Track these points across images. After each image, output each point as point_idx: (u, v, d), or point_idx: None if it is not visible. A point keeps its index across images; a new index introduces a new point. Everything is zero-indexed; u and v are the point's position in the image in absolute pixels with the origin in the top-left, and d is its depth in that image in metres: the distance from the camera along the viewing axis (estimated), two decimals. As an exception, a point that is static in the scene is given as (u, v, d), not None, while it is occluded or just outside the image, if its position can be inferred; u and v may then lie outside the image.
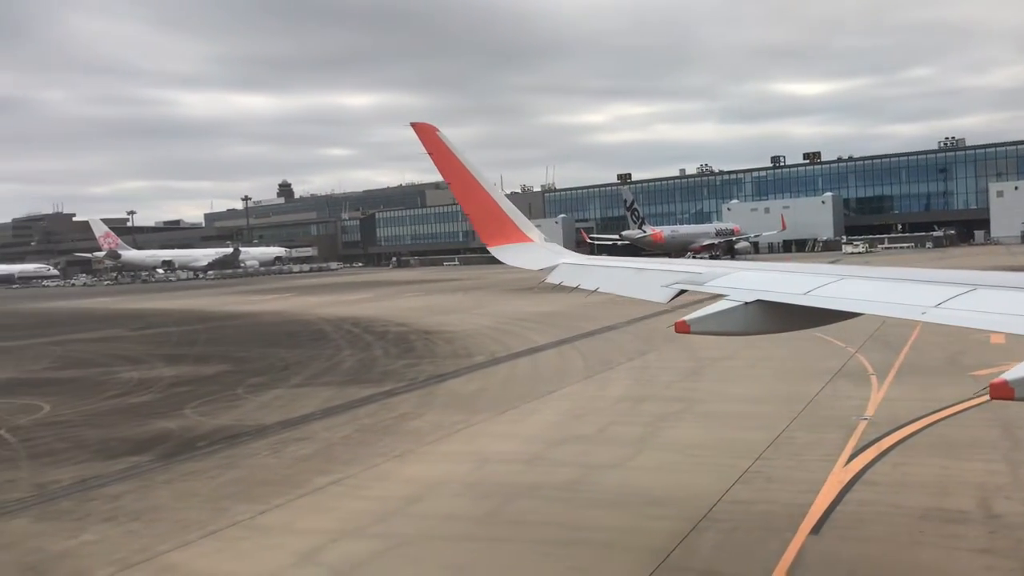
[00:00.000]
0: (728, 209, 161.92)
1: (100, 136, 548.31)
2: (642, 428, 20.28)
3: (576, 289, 12.03)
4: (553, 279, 12.65)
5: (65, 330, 60.43)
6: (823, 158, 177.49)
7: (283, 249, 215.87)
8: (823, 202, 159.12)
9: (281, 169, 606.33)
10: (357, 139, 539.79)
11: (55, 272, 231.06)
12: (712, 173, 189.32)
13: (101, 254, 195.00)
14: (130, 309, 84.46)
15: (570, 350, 35.03)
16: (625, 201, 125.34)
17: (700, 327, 8.18)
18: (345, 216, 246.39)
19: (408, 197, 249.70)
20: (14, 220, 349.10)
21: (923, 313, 7.00)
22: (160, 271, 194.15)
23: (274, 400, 27.24)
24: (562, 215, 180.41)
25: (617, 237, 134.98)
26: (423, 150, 13.86)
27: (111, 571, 12.75)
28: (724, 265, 10.41)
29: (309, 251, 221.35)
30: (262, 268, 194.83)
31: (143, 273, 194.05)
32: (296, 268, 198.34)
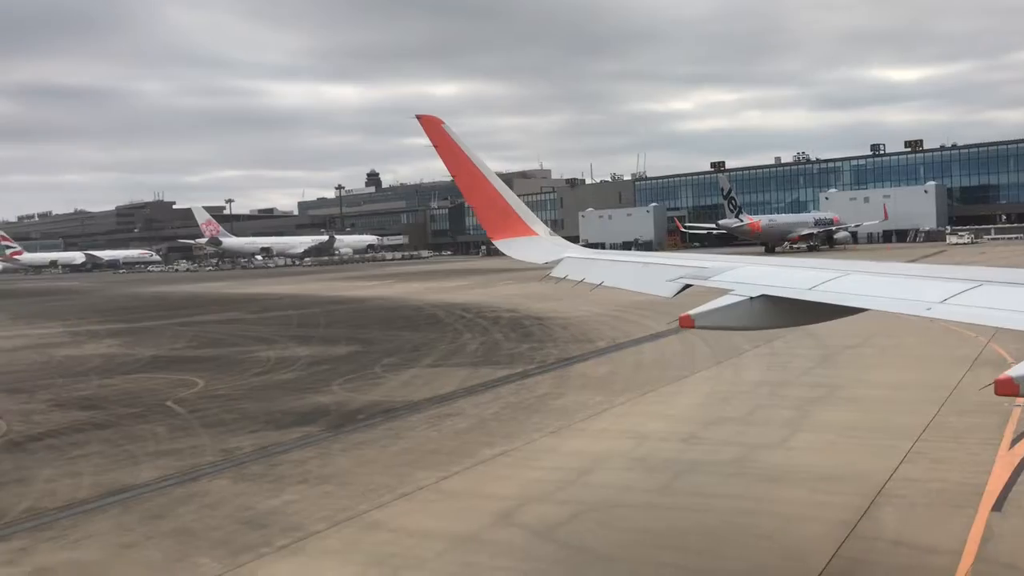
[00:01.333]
0: (826, 198, 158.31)
1: (196, 126, 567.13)
2: (790, 411, 20.64)
3: (581, 283, 11.99)
4: (558, 273, 12.60)
5: (188, 312, 63.40)
6: (925, 146, 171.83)
7: (375, 237, 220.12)
8: (926, 191, 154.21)
9: (369, 158, 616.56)
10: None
11: (157, 258, 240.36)
12: (809, 161, 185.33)
13: (203, 241, 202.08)
14: (242, 294, 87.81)
15: (691, 336, 35.23)
16: (722, 189, 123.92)
17: (705, 322, 8.19)
18: (434, 205, 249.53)
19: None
20: (118, 208, 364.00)
21: (928, 309, 6.95)
22: (258, 258, 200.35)
23: (414, 379, 28.44)
24: (653, 204, 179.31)
25: (713, 226, 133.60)
26: (429, 143, 13.77)
27: (323, 527, 13.89)
28: (729, 260, 10.35)
29: (400, 239, 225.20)
30: (356, 255, 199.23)
31: (242, 259, 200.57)
32: (388, 256, 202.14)
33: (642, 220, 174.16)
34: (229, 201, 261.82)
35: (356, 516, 14.34)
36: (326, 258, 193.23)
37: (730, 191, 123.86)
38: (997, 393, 5.47)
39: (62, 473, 18.27)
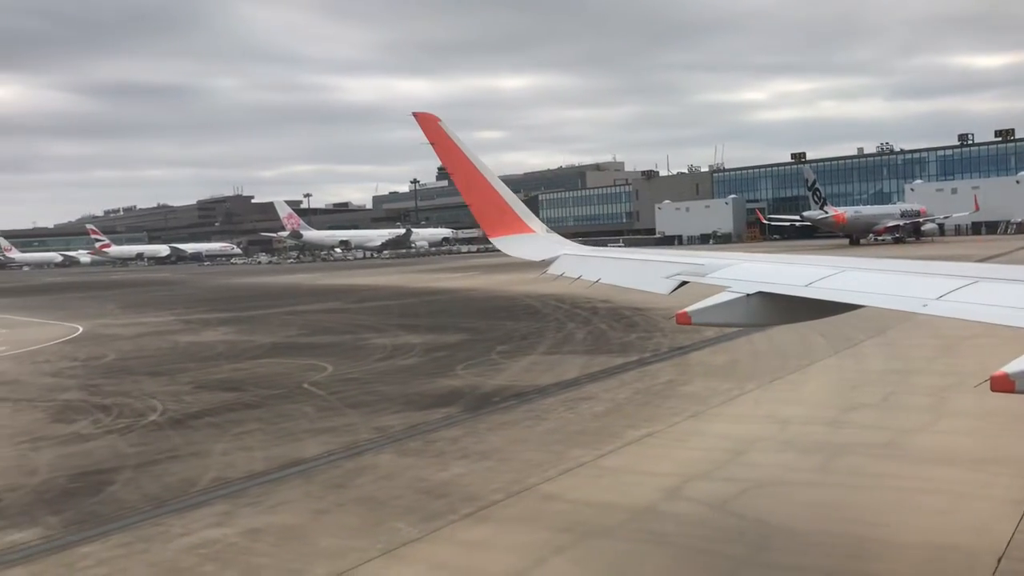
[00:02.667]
0: (911, 190, 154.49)
1: (269, 122, 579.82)
2: (926, 398, 20.84)
3: (578, 280, 12.07)
4: (555, 270, 12.60)
5: (288, 302, 65.47)
6: (1016, 135, 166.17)
7: (450, 230, 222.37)
8: (1018, 182, 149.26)
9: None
10: (510, 121, 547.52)
11: (238, 251, 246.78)
12: (893, 152, 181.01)
13: (284, 234, 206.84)
14: (333, 285, 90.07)
15: (800, 327, 35.33)
16: (807, 181, 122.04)
17: (701, 318, 8.21)
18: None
19: (568, 179, 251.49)
20: (199, 202, 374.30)
21: (924, 305, 6.95)
22: (337, 250, 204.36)
23: (533, 365, 29.28)
24: (732, 195, 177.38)
25: (796, 218, 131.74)
26: (425, 140, 13.79)
27: (500, 497, 14.76)
28: (726, 256, 10.36)
29: (474, 232, 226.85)
30: (432, 248, 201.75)
31: (322, 252, 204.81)
32: (464, 248, 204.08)
33: (721, 212, 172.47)
34: (307, 195, 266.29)
35: (528, 489, 15.16)
36: (403, 251, 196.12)
37: (814, 182, 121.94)
38: (992, 390, 5.44)
39: (233, 447, 19.57)
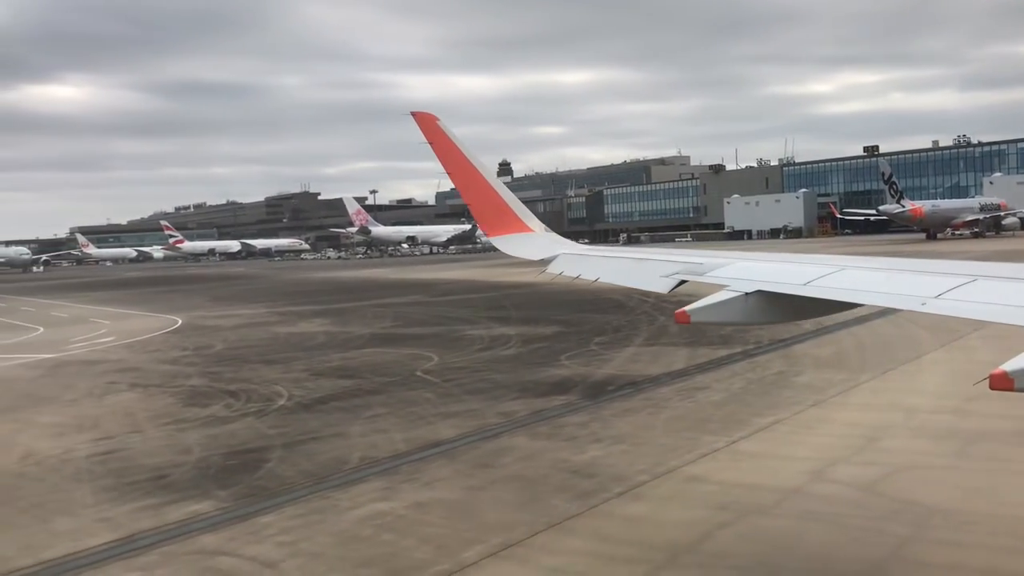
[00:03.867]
0: (990, 183, 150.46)
1: (332, 120, 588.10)
2: (1050, 389, 20.80)
3: (577, 279, 12.16)
4: (553, 269, 12.62)
5: (371, 296, 66.94)
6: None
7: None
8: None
9: (498, 148, 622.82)
10: (572, 116, 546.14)
11: (306, 246, 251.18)
12: (970, 145, 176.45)
13: (353, 230, 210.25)
14: (409, 279, 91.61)
15: (901, 320, 35.22)
16: (883, 174, 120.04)
17: (700, 317, 8.24)
18: (571, 193, 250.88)
19: (633, 173, 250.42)
20: (267, 199, 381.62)
21: (923, 304, 6.95)
22: (404, 246, 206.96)
23: (636, 356, 29.79)
24: (803, 189, 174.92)
25: (872, 212, 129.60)
26: (423, 140, 13.75)
27: (646, 478, 15.38)
28: (724, 256, 10.36)
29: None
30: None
31: (389, 247, 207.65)
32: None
33: (791, 206, 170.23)
34: (373, 192, 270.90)
35: (671, 471, 15.75)
36: (469, 246, 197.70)
37: (891, 176, 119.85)
38: (991, 388, 5.43)
39: (370, 430, 20.53)
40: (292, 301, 65.57)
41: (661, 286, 9.74)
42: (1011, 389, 5.35)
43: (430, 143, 13.64)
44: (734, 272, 9.21)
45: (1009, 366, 5.37)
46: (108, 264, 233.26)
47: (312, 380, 28.14)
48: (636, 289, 10.48)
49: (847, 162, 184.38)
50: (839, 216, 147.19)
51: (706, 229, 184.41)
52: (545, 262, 12.84)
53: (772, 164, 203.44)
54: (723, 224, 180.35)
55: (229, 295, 77.34)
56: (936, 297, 6.95)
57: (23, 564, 12.85)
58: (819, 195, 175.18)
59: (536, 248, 13.58)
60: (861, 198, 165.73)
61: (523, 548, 12.41)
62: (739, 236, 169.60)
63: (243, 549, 13.02)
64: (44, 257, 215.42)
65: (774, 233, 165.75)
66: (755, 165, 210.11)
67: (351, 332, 41.83)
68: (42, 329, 50.87)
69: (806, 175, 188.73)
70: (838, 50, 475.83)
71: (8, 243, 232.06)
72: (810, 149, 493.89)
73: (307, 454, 18.58)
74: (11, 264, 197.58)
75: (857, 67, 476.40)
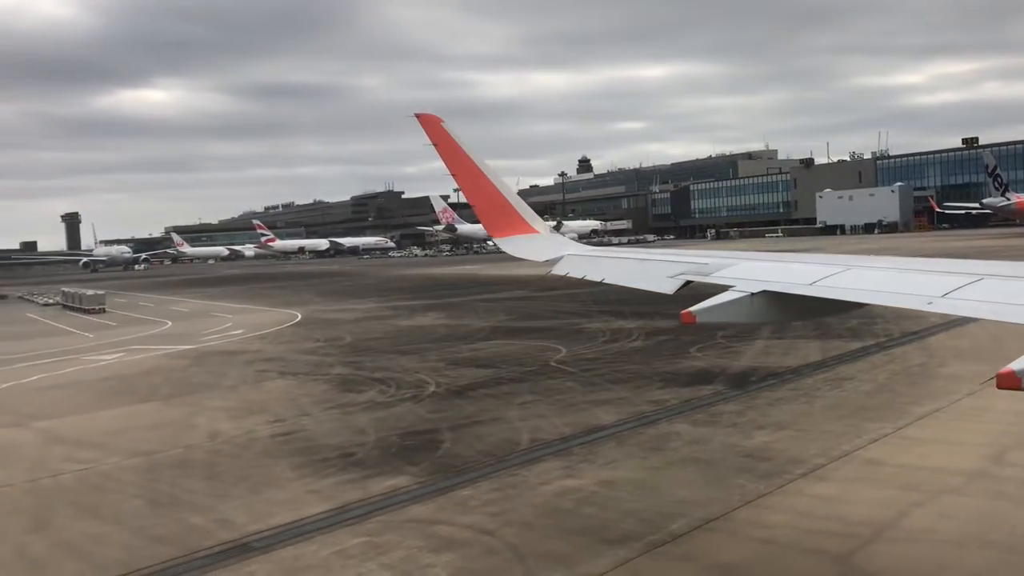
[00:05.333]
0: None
1: (412, 119, 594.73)
2: None
3: (582, 281, 12.09)
4: (559, 270, 12.55)
5: (473, 291, 68.22)
6: None
7: (598, 222, 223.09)
8: None
9: (578, 145, 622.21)
10: (650, 111, 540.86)
11: (392, 244, 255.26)
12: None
13: (440, 227, 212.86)
14: (505, 275, 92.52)
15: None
16: (987, 167, 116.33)
17: (706, 318, 8.21)
18: (655, 189, 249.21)
19: (719, 168, 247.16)
20: (352, 198, 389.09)
21: (930, 303, 6.90)
22: (490, 243, 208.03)
23: (768, 349, 30.05)
24: (898, 183, 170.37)
25: (974, 205, 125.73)
26: (428, 141, 13.79)
27: (823, 461, 15.87)
28: (730, 256, 10.28)
29: (623, 223, 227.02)
30: (582, 240, 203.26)
31: (475, 245, 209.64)
32: (614, 240, 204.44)
33: (886, 200, 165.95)
34: (456, 190, 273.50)
35: (846, 455, 16.19)
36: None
37: (995, 168, 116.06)
38: (999, 387, 5.41)
39: (527, 415, 21.43)
40: (399, 296, 67.28)
41: (667, 287, 9.72)
42: (1018, 388, 5.32)
43: (434, 144, 13.72)
44: (740, 272, 9.23)
45: (1017, 365, 5.33)
46: (211, 262, 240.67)
47: (451, 369, 29.25)
48: (643, 291, 10.39)
49: (944, 155, 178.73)
50: (938, 210, 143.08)
51: (796, 224, 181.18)
52: (551, 263, 12.89)
53: (865, 157, 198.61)
54: (815, 219, 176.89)
55: (334, 291, 79.64)
56: (943, 296, 6.94)
57: (256, 529, 14.09)
58: (915, 189, 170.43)
59: (541, 249, 13.64)
60: (960, 191, 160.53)
61: (726, 522, 13.08)
62: (831, 231, 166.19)
63: (456, 519, 14.00)
64: (143, 255, 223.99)
65: (868, 228, 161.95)
66: (847, 159, 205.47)
67: (470, 325, 42.96)
68: (170, 323, 53.47)
69: (901, 168, 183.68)
70: (927, 39, 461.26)
71: (108, 242, 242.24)
72: (902, 142, 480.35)
73: (476, 436, 19.56)
74: (113, 262, 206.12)
75: (948, 56, 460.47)
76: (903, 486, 14.17)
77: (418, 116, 13.87)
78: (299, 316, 53.19)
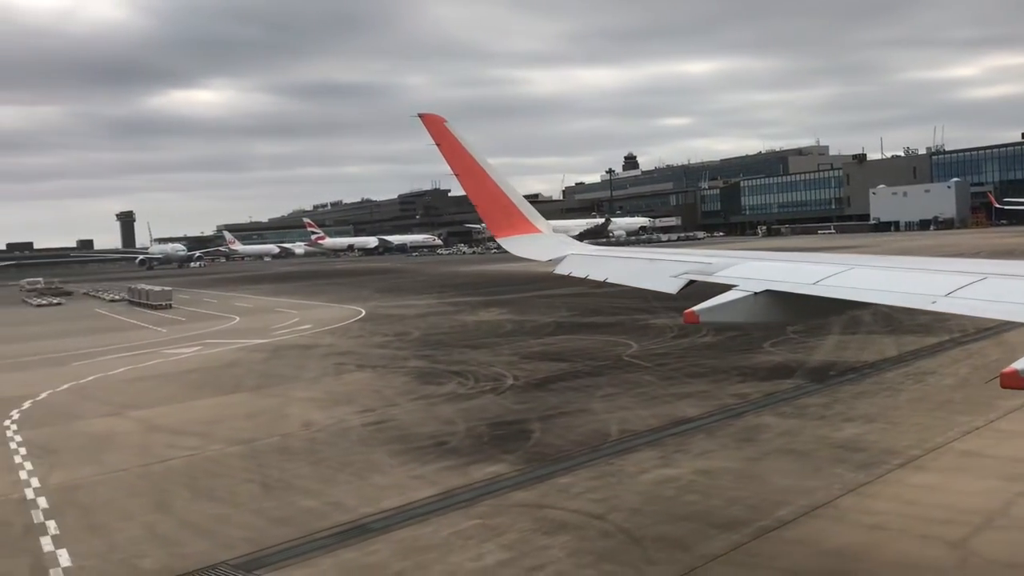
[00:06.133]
0: None
1: (456, 117, 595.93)
2: None
3: (585, 280, 12.01)
4: (562, 270, 12.51)
5: (530, 288, 68.57)
6: None
7: (647, 219, 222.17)
8: None
9: (622, 141, 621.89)
10: (697, 107, 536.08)
11: (439, 242, 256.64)
12: None
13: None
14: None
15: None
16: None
17: (709, 317, 8.17)
18: (704, 185, 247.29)
19: (768, 164, 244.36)
20: (400, 196, 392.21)
21: (933, 302, 6.86)
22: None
23: (842, 344, 30.04)
24: (955, 179, 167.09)
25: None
26: (431, 141, 13.76)
27: (919, 452, 16.05)
28: (733, 255, 10.20)
29: (672, 220, 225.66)
30: (631, 237, 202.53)
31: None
32: (663, 237, 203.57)
33: (942, 196, 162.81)
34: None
35: (940, 446, 16.35)
36: (602, 240, 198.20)
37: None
38: (1002, 386, 5.40)
39: (612, 407, 21.83)
40: (456, 293, 67.95)
41: (670, 286, 9.73)
42: (1022, 388, 5.37)
43: (437, 144, 13.73)
44: (743, 272, 9.21)
45: (1020, 364, 5.37)
46: (267, 259, 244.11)
47: (526, 363, 29.73)
48: (647, 290, 10.44)
49: (1003, 149, 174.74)
50: (996, 206, 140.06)
51: (849, 221, 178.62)
52: (553, 263, 12.94)
53: (920, 153, 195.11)
54: (868, 216, 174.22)
55: (390, 287, 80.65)
56: (946, 295, 6.95)
57: (369, 511, 14.69)
58: (972, 185, 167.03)
59: (544, 249, 13.68)
60: (1019, 187, 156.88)
61: (832, 509, 13.37)
62: (885, 228, 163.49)
63: (563, 504, 14.47)
64: (197, 253, 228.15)
65: (923, 224, 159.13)
66: (901, 154, 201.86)
67: (534, 320, 43.41)
68: (238, 318, 54.75)
69: (957, 164, 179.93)
70: (980, 31, 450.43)
71: (162, 240, 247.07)
72: (958, 137, 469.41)
73: (565, 427, 20.01)
74: (168, 260, 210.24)
75: (1003, 48, 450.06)
76: (1006, 477, 14.31)
77: (421, 116, 13.93)
78: (363, 312, 54.09)
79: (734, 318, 8.44)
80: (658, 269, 10.66)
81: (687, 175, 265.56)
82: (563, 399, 23.14)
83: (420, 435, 20.01)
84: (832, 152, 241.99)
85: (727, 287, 8.68)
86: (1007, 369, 5.38)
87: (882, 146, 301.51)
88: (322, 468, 17.75)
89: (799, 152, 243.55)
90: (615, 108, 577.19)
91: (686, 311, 8.19)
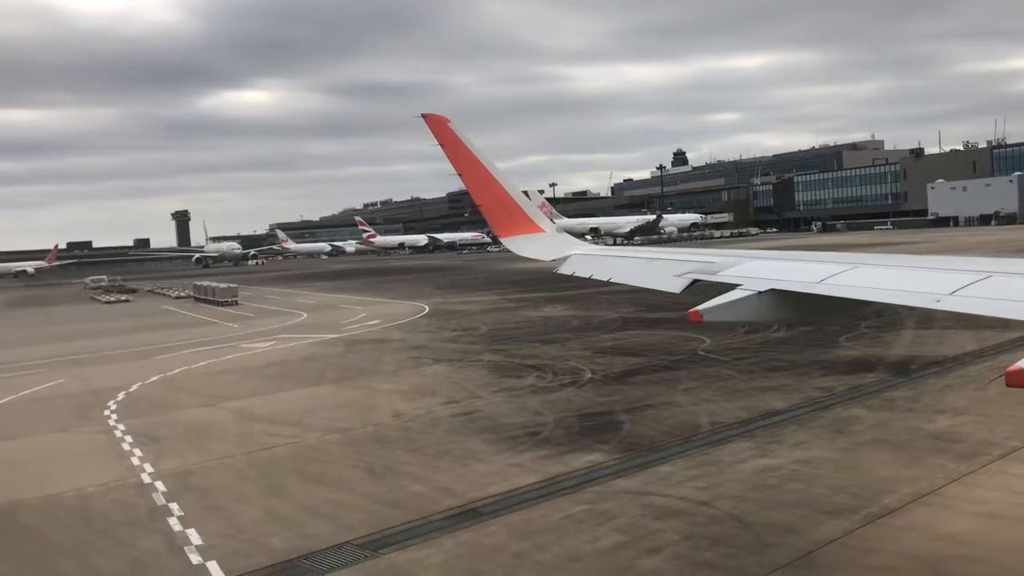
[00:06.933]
0: None
1: (504, 115, 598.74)
2: None
3: (589, 280, 11.88)
4: (565, 270, 12.41)
5: (590, 283, 68.72)
6: None
7: (699, 216, 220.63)
8: None
9: (669, 137, 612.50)
10: (746, 102, 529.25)
11: (488, 239, 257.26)
12: None
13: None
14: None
15: None
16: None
17: (713, 316, 8.17)
18: (756, 181, 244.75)
19: (822, 160, 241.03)
20: (448, 194, 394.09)
21: (938, 301, 6.84)
22: (587, 237, 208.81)
23: (919, 338, 29.97)
24: (1017, 173, 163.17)
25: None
26: (434, 141, 13.71)
27: (1018, 444, 16.10)
28: (737, 255, 10.09)
29: (725, 217, 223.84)
30: (683, 234, 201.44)
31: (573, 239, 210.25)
32: (716, 234, 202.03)
33: (1004, 191, 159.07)
34: (552, 185, 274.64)
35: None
36: (655, 236, 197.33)
37: None
38: (1008, 384, 5.38)
39: (696, 400, 22.12)
40: (515, 289, 68.45)
41: (674, 286, 9.73)
42: None
43: (441, 145, 13.73)
44: (747, 271, 9.22)
45: None
46: (323, 257, 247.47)
47: (600, 357, 30.11)
48: (650, 290, 10.42)
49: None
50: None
51: (905, 216, 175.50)
52: (557, 263, 12.99)
53: (980, 147, 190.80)
54: (925, 211, 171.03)
55: (449, 284, 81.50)
56: (951, 294, 6.96)
57: (477, 496, 15.20)
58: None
59: (547, 249, 13.72)
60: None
61: (938, 497, 13.57)
62: (944, 223, 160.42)
63: (667, 491, 14.84)
64: (252, 252, 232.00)
65: (984, 220, 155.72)
66: (960, 148, 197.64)
67: (601, 316, 43.74)
68: (305, 314, 55.88)
69: (1019, 157, 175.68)
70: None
71: (217, 239, 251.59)
72: (1019, 130, 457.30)
73: (653, 419, 20.36)
74: (224, 258, 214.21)
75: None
76: (1112, 468, 14.35)
77: (425, 116, 13.92)
78: (427, 308, 54.85)
79: (739, 317, 8.53)
80: (662, 269, 10.69)
81: (739, 171, 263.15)
82: (646, 392, 23.48)
83: (511, 425, 20.52)
84: (887, 147, 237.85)
85: (731, 286, 8.76)
86: (1012, 368, 5.42)
87: (940, 140, 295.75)
88: (422, 456, 18.34)
89: (853, 147, 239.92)
90: (663, 104, 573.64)
91: (690, 311, 8.30)
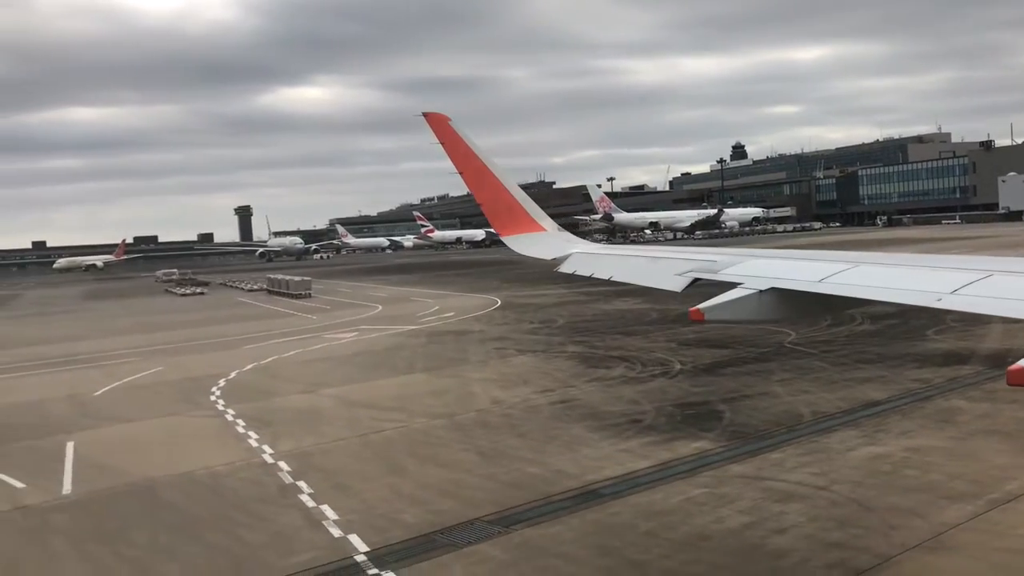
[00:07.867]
0: None
1: (559, 109, 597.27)
2: None
3: (590, 278, 11.78)
4: (566, 268, 12.34)
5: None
6: None
7: (759, 210, 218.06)
8: None
9: (727, 130, 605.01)
10: (806, 95, 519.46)
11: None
12: None
13: (596, 216, 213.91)
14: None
15: None
16: None
17: (714, 315, 8.16)
18: (819, 175, 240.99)
19: (887, 153, 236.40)
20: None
21: (939, 300, 6.82)
22: (647, 232, 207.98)
23: (1009, 332, 29.45)
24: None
25: None
26: (435, 140, 13.67)
27: None
28: (738, 253, 10.02)
29: (787, 211, 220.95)
30: (745, 228, 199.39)
31: (632, 233, 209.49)
32: (779, 228, 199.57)
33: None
34: (610, 179, 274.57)
35: None
36: (715, 231, 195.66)
37: None
38: (1009, 383, 5.39)
39: (793, 390, 22.35)
40: (582, 282, 68.60)
41: (675, 284, 9.80)
42: None
43: (441, 143, 13.80)
44: (748, 270, 9.26)
45: None
46: (388, 251, 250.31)
47: (685, 349, 30.39)
48: (651, 288, 10.50)
49: None
50: None
51: (975, 210, 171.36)
52: (558, 261, 13.06)
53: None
54: (996, 205, 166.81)
55: (515, 278, 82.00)
56: (952, 293, 6.98)
57: (594, 479, 15.73)
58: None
59: (548, 247, 13.82)
60: None
61: (1061, 485, 13.68)
62: (1016, 217, 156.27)
63: (782, 476, 15.19)
64: (314, 246, 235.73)
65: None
66: (1019, 142, 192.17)
67: (676, 309, 43.48)
68: (380, 307, 57.00)
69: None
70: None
71: (279, 233, 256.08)
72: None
73: (752, 408, 20.66)
74: (287, 252, 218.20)
75: None
76: None
77: (425, 115, 14.01)
78: (499, 301, 55.54)
79: (740, 316, 8.63)
80: (663, 267, 10.76)
81: (800, 164, 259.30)
82: (740, 383, 23.74)
83: (611, 413, 21.00)
84: (955, 139, 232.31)
85: (732, 285, 8.86)
86: (1013, 367, 5.46)
87: (1012, 132, 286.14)
88: (529, 440, 18.93)
89: (919, 139, 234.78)
90: (721, 97, 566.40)
91: (691, 309, 8.41)
